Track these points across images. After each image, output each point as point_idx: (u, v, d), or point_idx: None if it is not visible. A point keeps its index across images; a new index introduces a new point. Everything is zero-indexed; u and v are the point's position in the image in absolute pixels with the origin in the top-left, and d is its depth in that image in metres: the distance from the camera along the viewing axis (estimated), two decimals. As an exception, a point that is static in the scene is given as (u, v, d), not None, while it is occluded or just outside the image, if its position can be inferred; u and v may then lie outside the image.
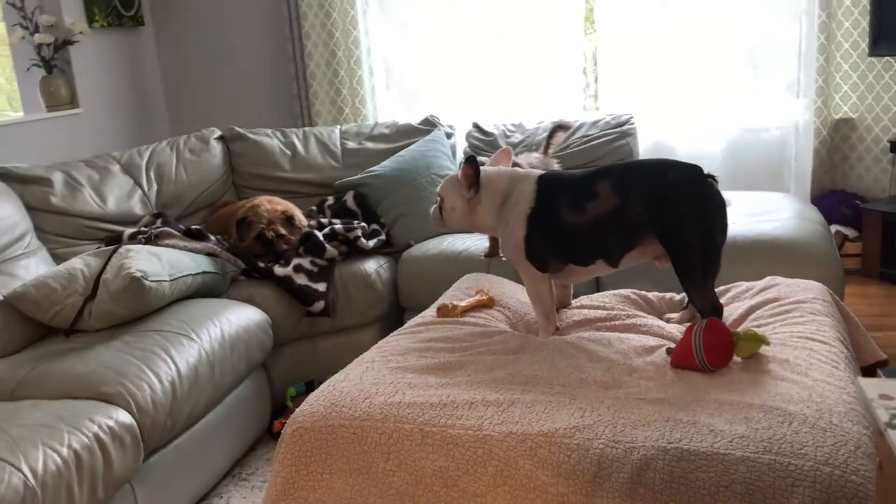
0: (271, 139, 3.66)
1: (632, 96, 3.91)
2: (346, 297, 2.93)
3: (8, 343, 2.37)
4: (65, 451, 1.77)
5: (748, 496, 1.33)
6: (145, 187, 3.25)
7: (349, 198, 3.36)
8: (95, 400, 2.00)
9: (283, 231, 2.99)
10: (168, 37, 4.59)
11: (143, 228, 2.95)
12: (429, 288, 2.80)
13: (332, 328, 2.94)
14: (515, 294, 2.33)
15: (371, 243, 3.11)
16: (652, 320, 2.10)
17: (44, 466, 1.70)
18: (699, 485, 1.36)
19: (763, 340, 1.71)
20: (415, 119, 3.78)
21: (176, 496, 2.24)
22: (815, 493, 1.30)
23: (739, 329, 1.78)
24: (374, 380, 1.75)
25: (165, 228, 2.92)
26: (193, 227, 3.01)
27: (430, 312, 2.21)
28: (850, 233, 3.71)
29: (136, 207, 3.15)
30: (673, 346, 1.80)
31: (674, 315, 2.16)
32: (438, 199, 2.11)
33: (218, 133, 3.66)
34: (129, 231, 2.92)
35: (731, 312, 2.07)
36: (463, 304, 2.17)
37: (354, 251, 3.06)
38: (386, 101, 4.34)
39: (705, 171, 1.89)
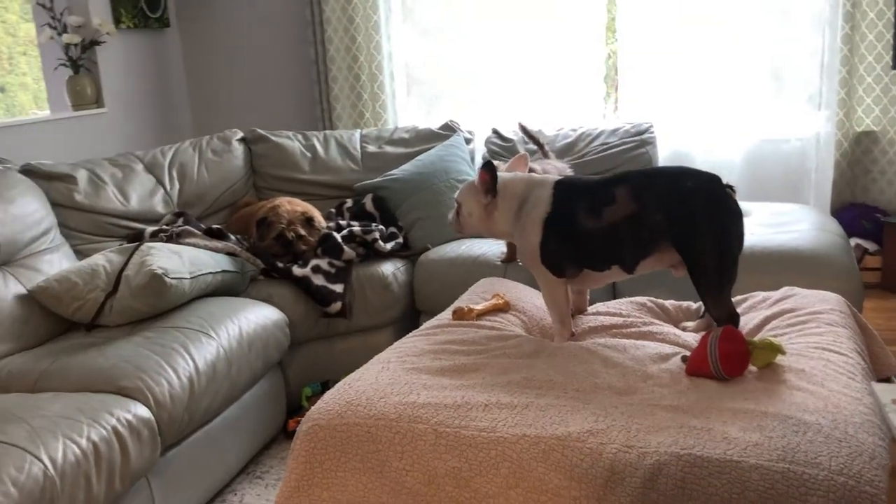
0: (292, 141, 3.70)
1: (652, 105, 3.91)
2: (363, 298, 2.95)
3: (31, 336, 2.41)
4: (84, 442, 1.80)
5: (761, 504, 1.33)
6: (167, 186, 3.29)
7: (368, 200, 3.39)
8: (115, 394, 2.03)
9: (302, 232, 3.02)
10: (193, 39, 4.65)
11: (164, 227, 2.99)
12: (445, 291, 2.82)
13: (349, 329, 2.97)
14: (531, 299, 2.33)
15: (388, 246, 3.13)
16: (668, 328, 2.10)
17: (63, 457, 1.73)
18: (712, 491, 1.36)
19: (779, 350, 1.70)
20: (434, 124, 3.80)
21: (191, 491, 2.26)
22: (829, 503, 1.30)
23: (755, 338, 1.78)
24: (389, 380, 1.76)
25: (187, 227, 2.95)
26: (214, 226, 3.05)
27: (445, 315, 2.22)
28: (871, 246, 3.68)
29: (159, 206, 3.19)
30: (688, 353, 1.80)
31: (690, 323, 2.15)
32: (456, 204, 2.13)
33: (240, 134, 3.70)
34: (150, 229, 2.96)
35: (747, 322, 2.06)
36: (479, 307, 2.18)
37: (372, 253, 3.09)
38: (406, 107, 4.37)
39: (724, 181, 1.89)
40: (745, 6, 3.75)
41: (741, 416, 1.52)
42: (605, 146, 3.52)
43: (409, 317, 3.11)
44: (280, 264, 2.94)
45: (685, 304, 2.29)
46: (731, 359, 1.67)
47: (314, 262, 2.93)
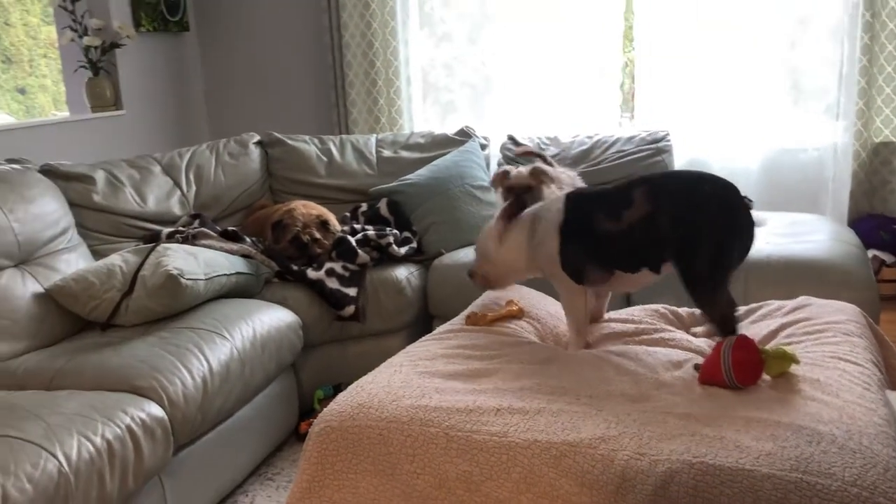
0: (308, 145, 3.72)
1: (669, 113, 3.91)
2: (377, 302, 2.96)
3: (47, 334, 2.44)
4: (98, 440, 1.81)
5: (773, 513, 1.32)
6: (184, 188, 3.31)
7: (382, 205, 3.40)
8: (129, 392, 2.04)
9: (317, 235, 3.04)
10: (211, 43, 4.68)
11: (180, 228, 3.01)
12: (458, 296, 2.82)
13: (362, 333, 2.97)
14: (545, 306, 2.33)
15: (402, 250, 3.13)
16: (680, 335, 2.09)
17: (77, 454, 1.75)
18: (723, 500, 1.35)
19: (792, 359, 1.69)
20: (450, 130, 3.82)
21: (203, 491, 2.27)
22: (842, 514, 1.29)
23: (769, 347, 1.77)
24: (401, 383, 1.77)
25: (203, 229, 2.98)
26: (230, 228, 3.07)
27: (459, 320, 2.22)
28: (888, 258, 3.65)
29: (175, 207, 3.22)
30: (701, 360, 1.79)
31: (699, 329, 2.15)
32: (476, 259, 2.15)
33: (257, 138, 3.73)
34: (167, 230, 2.99)
35: (761, 330, 2.05)
36: (492, 313, 2.19)
37: (386, 258, 3.09)
38: (422, 112, 4.38)
39: (741, 193, 1.87)
40: (763, 16, 3.75)
41: (754, 425, 1.51)
42: (620, 154, 3.52)
43: (422, 321, 3.11)
44: (294, 267, 2.95)
45: (699, 310, 2.28)
46: (744, 367, 1.66)
47: (328, 265, 2.95)
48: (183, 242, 2.81)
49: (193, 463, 2.22)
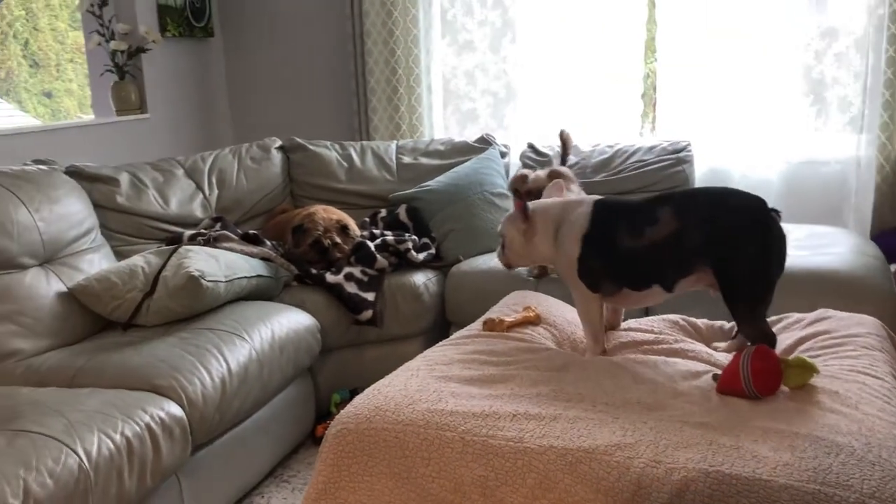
0: (329, 151, 3.75)
1: (690, 124, 3.89)
2: (394, 307, 2.97)
3: (69, 333, 2.47)
4: (118, 437, 1.84)
5: (790, 524, 1.31)
6: (207, 191, 3.35)
7: (402, 211, 3.41)
8: (149, 391, 2.07)
9: (337, 239, 3.06)
10: (235, 48, 4.73)
11: (202, 231, 3.04)
12: (476, 303, 2.82)
13: (379, 338, 2.99)
14: (563, 313, 2.33)
15: (421, 256, 3.15)
16: (699, 346, 2.08)
17: (98, 451, 1.77)
18: (740, 510, 1.35)
19: (813, 369, 1.68)
20: (470, 138, 3.84)
21: (219, 491, 2.29)
22: (860, 526, 1.28)
23: (789, 357, 1.76)
24: (418, 387, 1.77)
25: (224, 232, 3.00)
26: (251, 231, 3.09)
27: (476, 326, 2.23)
28: (911, 272, 3.62)
29: (197, 210, 3.25)
30: (719, 372, 1.79)
31: (721, 344, 2.13)
32: (500, 238, 2.14)
33: (279, 143, 3.76)
34: (189, 232, 3.02)
35: (780, 342, 2.03)
36: (510, 319, 2.19)
37: (404, 263, 3.11)
38: (442, 120, 4.40)
39: (768, 205, 1.87)
40: (787, 28, 3.73)
41: (772, 435, 1.50)
42: (641, 163, 3.51)
43: (440, 327, 3.12)
44: (314, 271, 2.97)
45: (717, 323, 2.27)
46: (763, 376, 1.65)
47: (347, 269, 2.96)
48: (204, 245, 2.84)
49: (210, 463, 2.24)
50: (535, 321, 2.23)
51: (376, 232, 3.24)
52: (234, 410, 2.27)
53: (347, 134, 4.50)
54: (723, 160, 3.88)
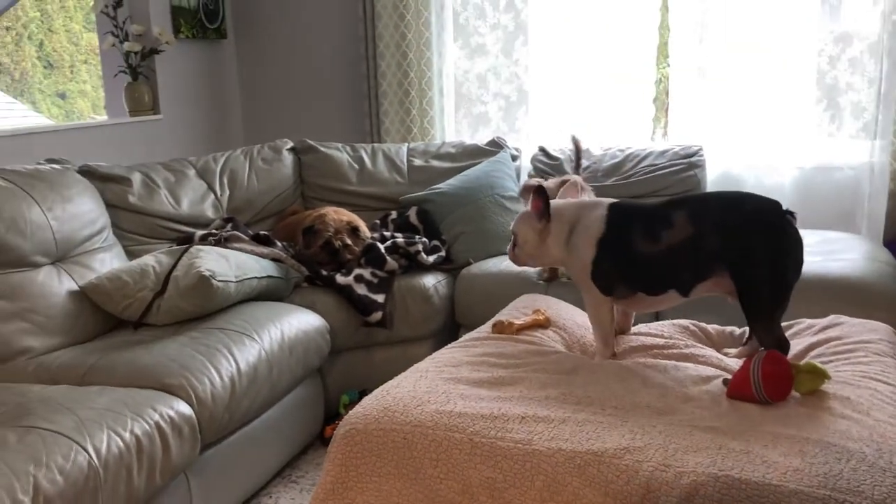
0: (341, 153, 3.76)
1: (702, 128, 3.88)
2: (404, 309, 2.97)
3: (81, 331, 2.48)
4: (127, 435, 1.84)
5: (800, 530, 1.30)
6: (218, 192, 3.36)
7: (412, 213, 3.42)
8: (158, 390, 2.07)
9: (348, 241, 3.07)
10: (248, 50, 4.76)
11: (213, 231, 3.05)
12: (485, 306, 2.82)
13: (388, 339, 2.99)
14: (572, 316, 2.33)
15: (431, 258, 3.15)
16: (710, 351, 2.07)
17: (107, 448, 1.78)
18: (749, 515, 1.34)
19: (824, 374, 1.67)
20: (481, 141, 3.84)
21: (227, 490, 2.30)
22: (871, 533, 1.27)
23: (800, 363, 1.75)
24: (426, 388, 1.77)
25: (235, 232, 3.01)
26: (262, 232, 3.10)
27: (485, 328, 2.23)
28: (924, 279, 3.59)
29: (209, 211, 3.27)
30: (730, 377, 1.78)
31: (732, 350, 2.12)
32: (513, 235, 2.13)
33: (290, 144, 3.77)
34: (200, 233, 3.03)
35: (791, 348, 2.02)
36: (519, 322, 2.19)
37: (414, 265, 3.11)
38: (454, 123, 4.40)
39: (784, 207, 1.86)
40: (801, 33, 3.71)
41: (782, 440, 1.49)
42: (652, 167, 3.50)
43: (449, 330, 3.12)
44: (324, 272, 2.98)
45: (728, 329, 2.26)
46: (774, 380, 1.64)
47: (357, 271, 2.97)
48: (215, 245, 2.85)
49: (219, 462, 2.24)
50: (544, 324, 2.22)
51: (387, 234, 3.24)
52: (244, 410, 2.28)
53: (359, 136, 4.51)
54: (735, 165, 3.87)
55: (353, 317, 2.89)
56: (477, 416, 1.64)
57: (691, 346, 2.10)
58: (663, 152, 3.57)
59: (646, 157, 3.57)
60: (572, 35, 4.07)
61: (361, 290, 2.91)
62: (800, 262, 1.86)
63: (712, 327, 2.27)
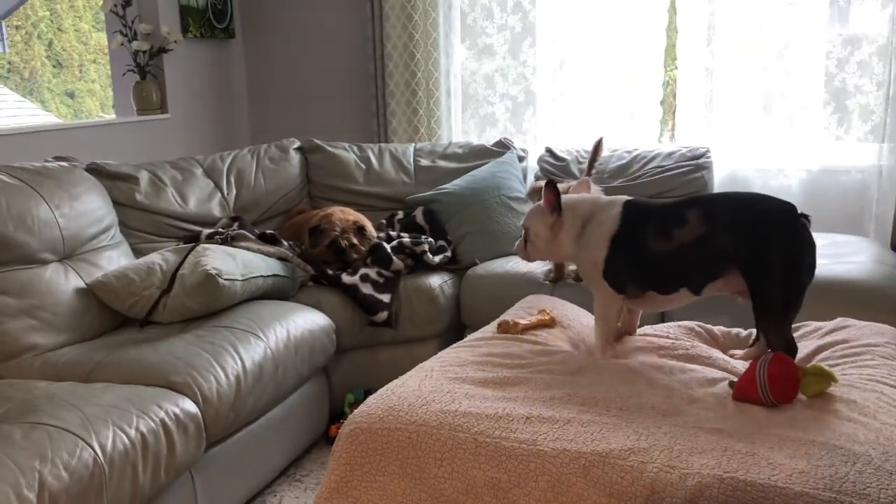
0: (348, 153, 3.76)
1: (710, 130, 3.87)
2: (410, 309, 2.97)
3: (87, 329, 2.49)
4: (133, 432, 1.85)
5: (805, 533, 1.30)
6: (225, 191, 3.37)
7: (419, 213, 3.42)
8: (164, 388, 2.08)
9: (354, 240, 3.07)
10: (256, 50, 4.76)
11: (220, 230, 3.06)
12: (491, 306, 2.82)
13: (394, 339, 2.99)
14: (578, 317, 2.32)
15: (437, 259, 3.15)
16: (716, 353, 2.07)
17: (112, 445, 1.78)
18: (754, 517, 1.33)
19: (831, 377, 1.67)
20: (488, 142, 3.84)
21: (232, 489, 2.30)
22: (876, 536, 1.27)
23: (807, 365, 1.74)
24: (431, 387, 1.77)
25: (241, 231, 3.02)
26: (268, 231, 3.11)
27: (490, 328, 2.22)
28: (932, 283, 3.57)
29: (215, 210, 3.27)
30: (735, 379, 1.77)
31: (738, 351, 2.12)
32: (523, 230, 2.12)
33: (297, 144, 3.78)
34: (206, 231, 3.04)
35: (799, 351, 2.02)
36: (524, 321, 2.18)
37: (420, 265, 3.11)
38: (461, 124, 4.40)
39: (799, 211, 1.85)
40: (809, 36, 3.70)
41: (788, 443, 1.49)
42: (660, 169, 3.50)
43: (454, 330, 3.12)
44: (330, 271, 2.98)
45: (734, 330, 2.25)
46: (780, 382, 1.64)
47: (363, 270, 2.97)
48: (222, 244, 2.86)
49: (224, 460, 2.25)
50: (550, 324, 2.22)
51: (393, 234, 3.25)
52: (249, 408, 2.28)
53: (366, 137, 4.52)
54: (743, 167, 3.86)
55: (358, 316, 2.89)
56: (481, 415, 1.64)
57: (697, 347, 2.09)
58: (670, 154, 3.56)
59: (653, 158, 3.56)
60: (580, 37, 4.06)
61: (367, 289, 2.91)
62: (813, 265, 1.84)
63: (718, 329, 2.26)
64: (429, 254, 3.12)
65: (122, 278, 2.53)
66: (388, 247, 3.06)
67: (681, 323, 2.29)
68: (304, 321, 2.64)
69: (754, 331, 2.07)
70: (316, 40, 4.64)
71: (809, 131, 3.77)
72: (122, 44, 3.94)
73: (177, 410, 2.00)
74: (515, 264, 3.08)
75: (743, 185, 3.82)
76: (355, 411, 1.74)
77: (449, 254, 3.24)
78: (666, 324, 2.31)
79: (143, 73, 4.02)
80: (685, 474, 1.42)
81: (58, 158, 2.89)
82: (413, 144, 3.89)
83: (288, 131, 4.37)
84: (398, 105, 4.37)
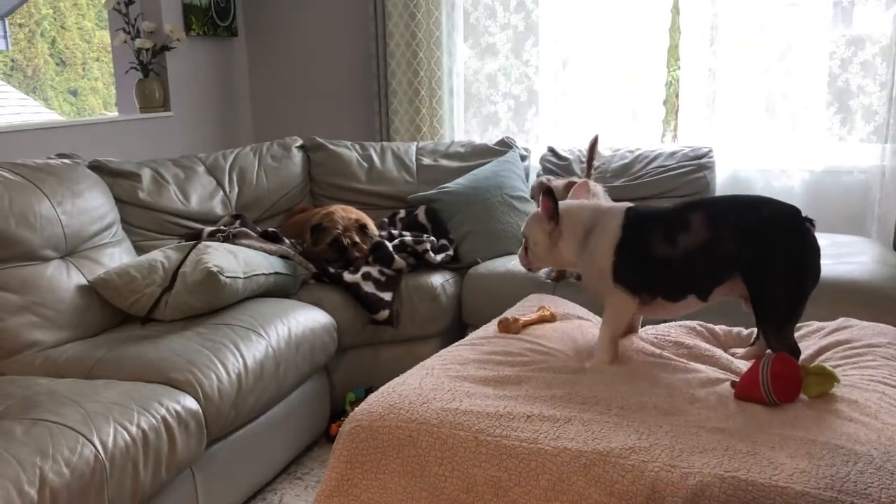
0: (350, 151, 3.76)
1: (712, 130, 3.87)
2: (411, 308, 2.97)
3: (89, 326, 2.49)
4: (134, 429, 1.85)
5: (806, 532, 1.29)
6: (227, 189, 3.37)
7: (420, 212, 3.42)
8: (165, 385, 2.08)
9: (356, 239, 3.07)
10: (259, 48, 4.77)
11: (222, 227, 3.06)
12: (492, 305, 2.81)
13: (395, 338, 2.99)
14: (579, 315, 2.32)
15: (439, 257, 3.15)
16: (718, 353, 2.06)
17: (114, 442, 1.78)
18: (755, 516, 1.33)
19: (833, 377, 1.66)
20: (490, 141, 3.84)
21: (233, 486, 2.30)
22: (878, 536, 1.26)
23: (809, 366, 1.74)
24: (432, 386, 1.77)
25: (243, 229, 3.02)
26: (270, 229, 3.11)
27: (491, 326, 2.22)
28: (934, 284, 3.56)
29: (217, 207, 3.27)
30: (737, 379, 1.77)
31: (739, 350, 2.11)
32: (523, 239, 2.11)
33: (299, 142, 3.78)
34: (208, 229, 3.04)
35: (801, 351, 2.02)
36: (524, 318, 2.18)
37: (422, 264, 3.11)
38: (463, 123, 4.40)
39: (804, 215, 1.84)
40: (813, 35, 3.70)
41: (789, 442, 1.49)
42: (662, 169, 3.49)
43: (456, 329, 3.11)
44: (332, 270, 2.98)
45: (735, 329, 2.25)
46: (783, 380, 1.63)
47: (365, 269, 2.97)
48: (224, 241, 2.86)
49: (225, 458, 2.25)
50: (550, 319, 2.22)
51: (395, 232, 3.24)
52: (250, 406, 2.28)
53: (368, 135, 4.52)
54: (745, 168, 3.85)
55: (360, 314, 2.89)
56: (482, 414, 1.64)
57: (699, 346, 2.09)
58: (673, 154, 3.56)
59: (655, 158, 3.56)
60: (583, 36, 4.06)
61: (369, 287, 2.91)
62: (817, 271, 1.82)
63: (720, 328, 2.26)
64: (430, 252, 3.12)
65: (123, 275, 2.53)
66: (389, 245, 3.06)
67: (682, 322, 2.29)
68: (306, 319, 2.64)
69: (755, 329, 2.07)
70: (318, 39, 4.64)
71: (812, 132, 3.77)
72: (125, 42, 3.94)
73: (178, 407, 2.00)
74: (517, 263, 3.06)
75: (745, 185, 3.82)
76: (356, 409, 1.74)
77: (451, 253, 3.24)
78: (667, 324, 2.30)
79: (146, 71, 4.02)
80: (686, 473, 1.41)
81: (60, 156, 2.89)
82: (415, 143, 3.89)
83: (290, 129, 4.36)
84: (400, 104, 4.37)
